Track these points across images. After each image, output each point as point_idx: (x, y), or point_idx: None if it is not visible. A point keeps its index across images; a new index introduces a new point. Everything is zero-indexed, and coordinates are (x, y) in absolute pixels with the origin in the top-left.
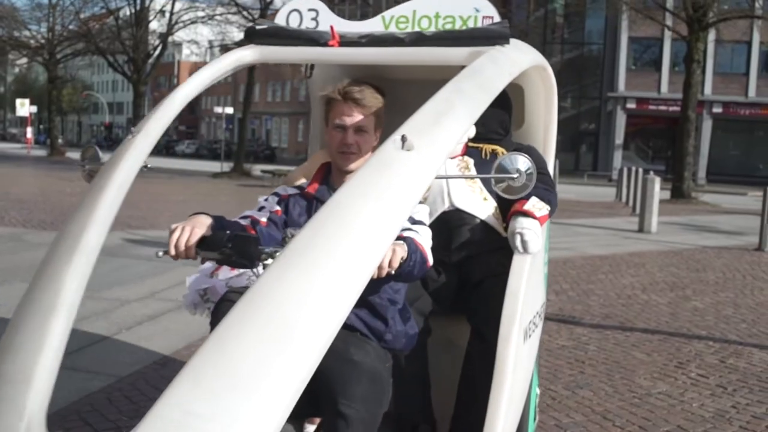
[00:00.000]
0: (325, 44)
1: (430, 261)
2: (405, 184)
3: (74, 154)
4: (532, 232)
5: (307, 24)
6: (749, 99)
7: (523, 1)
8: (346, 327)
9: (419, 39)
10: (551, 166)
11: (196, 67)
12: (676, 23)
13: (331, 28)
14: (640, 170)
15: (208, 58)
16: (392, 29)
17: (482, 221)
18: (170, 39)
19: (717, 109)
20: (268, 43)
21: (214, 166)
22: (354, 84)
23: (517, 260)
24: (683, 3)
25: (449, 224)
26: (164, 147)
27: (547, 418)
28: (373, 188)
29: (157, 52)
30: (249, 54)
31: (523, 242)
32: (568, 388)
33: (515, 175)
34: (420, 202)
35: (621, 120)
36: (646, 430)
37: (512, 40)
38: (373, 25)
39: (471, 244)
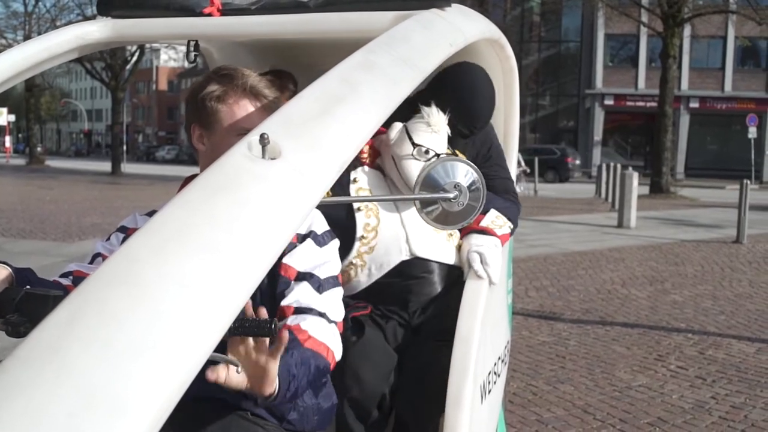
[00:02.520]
0: (200, 14)
1: (335, 359)
2: (263, 217)
3: (54, 163)
4: (494, 249)
5: None
6: (725, 93)
7: (499, 0)
8: (230, 405)
9: (328, 2)
10: (514, 156)
11: (174, 72)
12: (652, 19)
13: None
14: (619, 166)
15: (186, 64)
16: None
17: (449, 267)
18: (147, 44)
19: (694, 104)
20: (128, 16)
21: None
22: (255, 74)
23: (471, 293)
24: (658, 0)
25: (407, 276)
26: (144, 153)
27: (529, 413)
28: (203, 227)
29: (135, 58)
30: (97, 30)
31: (484, 262)
32: (549, 383)
33: (452, 194)
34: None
35: (599, 117)
36: (627, 423)
37: (455, 5)
38: None
39: (435, 299)
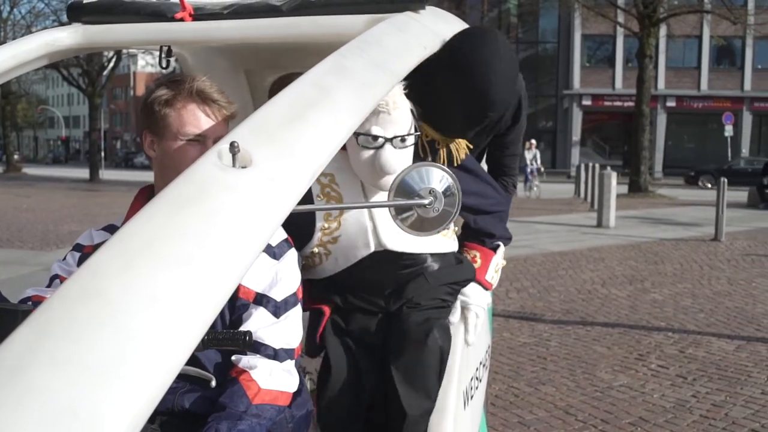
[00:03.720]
0: (172, 19)
1: (291, 394)
2: (233, 228)
3: (31, 170)
4: (483, 312)
5: None
6: (701, 92)
7: (476, 2)
8: (201, 418)
9: (301, 6)
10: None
11: (152, 78)
12: (628, 20)
13: None
14: (597, 166)
15: (164, 63)
16: None
17: (427, 255)
18: (124, 50)
19: (671, 103)
20: (98, 22)
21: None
22: (206, 79)
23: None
24: (634, 0)
25: (380, 268)
26: (123, 160)
27: (510, 415)
28: (172, 240)
29: (112, 63)
30: (67, 36)
31: (474, 326)
32: (530, 384)
33: (427, 201)
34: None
35: (577, 117)
36: (608, 423)
37: (430, 7)
38: None
39: (412, 289)
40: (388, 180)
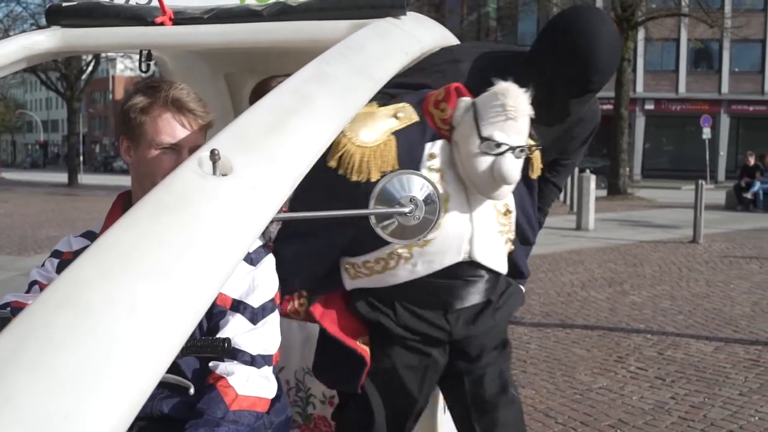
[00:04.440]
0: (152, 23)
1: (269, 401)
2: (214, 236)
3: (9, 175)
4: None
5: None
6: (680, 95)
7: (456, 6)
8: (179, 423)
9: (282, 11)
10: None
11: (131, 82)
12: None
13: (160, 0)
14: (576, 169)
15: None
16: (250, 1)
17: (497, 276)
18: (103, 54)
19: (649, 106)
20: (77, 25)
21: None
22: (183, 87)
23: None
24: (612, 3)
25: (454, 277)
26: (102, 164)
27: None
28: (152, 248)
29: (90, 67)
30: (45, 40)
31: None
32: None
33: (407, 209)
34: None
35: None
36: (588, 425)
37: (411, 13)
38: None
39: (481, 311)
40: (504, 191)
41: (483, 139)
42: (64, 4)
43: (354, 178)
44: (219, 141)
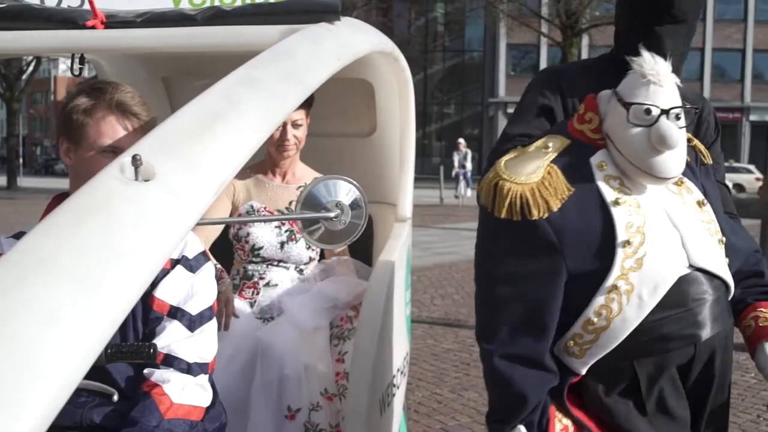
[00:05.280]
0: (83, 26)
1: (204, 409)
2: (134, 243)
3: None
4: None
5: (69, 2)
6: None
7: (403, 11)
8: (90, 428)
9: (216, 15)
10: (411, 171)
11: (74, 82)
12: (551, 30)
13: (91, 2)
14: None
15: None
16: (184, 5)
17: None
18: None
19: None
20: (6, 28)
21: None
22: (128, 90)
23: (368, 307)
24: (557, 10)
25: (689, 301)
26: (43, 166)
27: (433, 421)
28: (69, 255)
29: (31, 67)
30: None
31: None
32: (453, 390)
33: (333, 214)
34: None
35: (503, 125)
36: None
37: (346, 18)
38: (158, 0)
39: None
40: (670, 163)
41: (627, 105)
42: None
43: (534, 214)
44: (142, 146)
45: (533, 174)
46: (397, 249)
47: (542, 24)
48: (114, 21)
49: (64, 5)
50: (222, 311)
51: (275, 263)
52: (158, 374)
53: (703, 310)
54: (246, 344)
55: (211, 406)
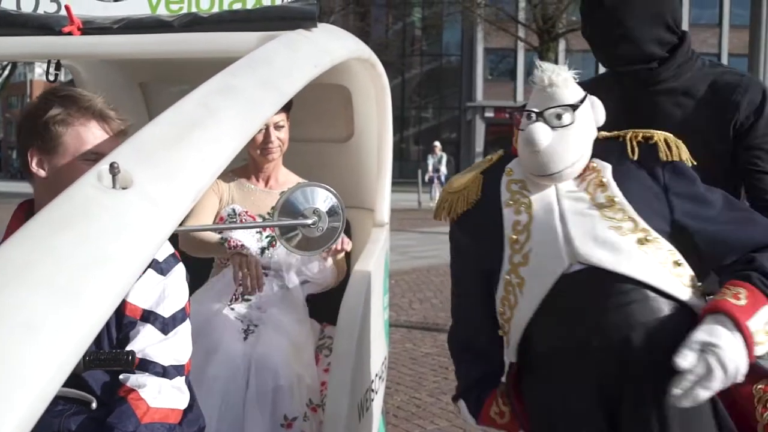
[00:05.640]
0: (60, 32)
1: (181, 411)
2: (112, 252)
3: None
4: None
5: (45, 8)
6: None
7: (381, 15)
8: None
9: (193, 22)
10: (388, 177)
11: (50, 87)
12: (528, 34)
13: (67, 9)
14: None
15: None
16: (161, 11)
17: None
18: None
19: None
20: None
21: None
22: (100, 96)
23: (346, 312)
24: (534, 15)
25: (599, 296)
26: (19, 171)
27: (412, 426)
28: (48, 263)
29: (7, 71)
30: None
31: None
32: (432, 395)
33: (310, 221)
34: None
35: (480, 128)
36: None
37: (323, 24)
38: (135, 7)
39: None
40: (538, 160)
41: (520, 114)
42: None
43: (442, 217)
44: (120, 154)
45: (463, 183)
46: (374, 254)
47: (519, 28)
48: (91, 27)
49: (40, 11)
50: (247, 274)
51: None
52: (134, 379)
53: (595, 314)
54: (236, 354)
55: (189, 409)
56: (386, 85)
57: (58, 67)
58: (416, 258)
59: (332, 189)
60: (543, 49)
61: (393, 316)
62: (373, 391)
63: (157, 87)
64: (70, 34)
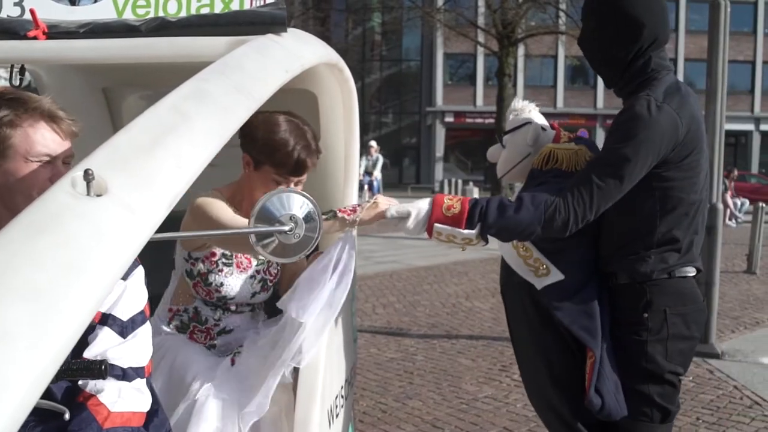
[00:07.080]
0: (25, 37)
1: (144, 414)
2: (87, 258)
3: None
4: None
5: (9, 12)
6: (558, 110)
7: (340, 20)
8: None
9: (160, 26)
10: (355, 182)
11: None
12: (488, 39)
13: (32, 13)
14: (460, 181)
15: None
16: (128, 15)
17: None
18: None
19: None
20: None
21: None
22: (49, 97)
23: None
24: (493, 20)
25: None
26: None
27: (378, 431)
28: (23, 271)
29: None
30: None
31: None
32: (397, 399)
33: (287, 227)
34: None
35: (440, 133)
36: None
37: (292, 29)
38: (101, 11)
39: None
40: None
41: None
42: None
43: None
44: (94, 160)
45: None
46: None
47: (479, 33)
48: (56, 32)
49: (3, 15)
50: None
51: (235, 308)
52: (92, 384)
53: None
54: (217, 384)
55: (155, 413)
56: (353, 89)
57: (22, 71)
58: (379, 263)
59: (308, 195)
60: (503, 54)
61: (357, 321)
62: (342, 397)
63: (120, 91)
64: (35, 38)
